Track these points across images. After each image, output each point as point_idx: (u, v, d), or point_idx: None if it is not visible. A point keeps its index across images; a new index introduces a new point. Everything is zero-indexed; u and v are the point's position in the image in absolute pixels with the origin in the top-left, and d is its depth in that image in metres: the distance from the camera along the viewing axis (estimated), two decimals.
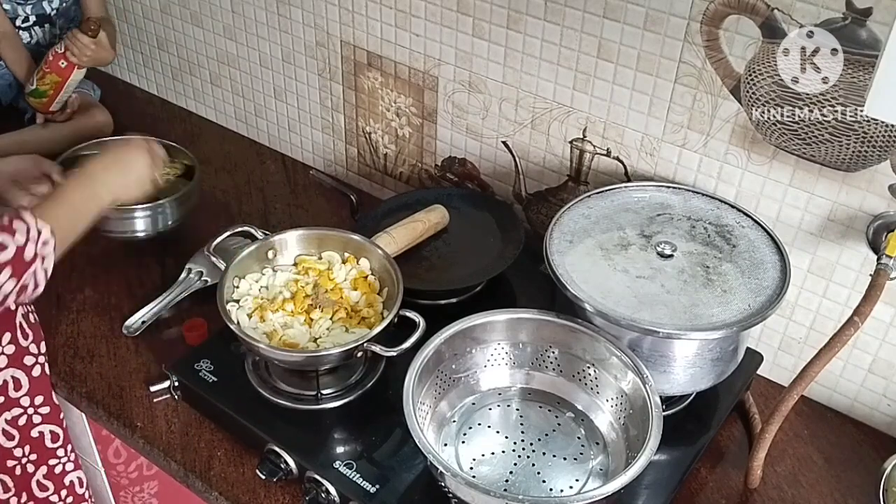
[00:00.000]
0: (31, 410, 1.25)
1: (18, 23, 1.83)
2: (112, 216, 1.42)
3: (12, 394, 1.22)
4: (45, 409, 1.26)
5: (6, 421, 1.22)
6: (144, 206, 1.46)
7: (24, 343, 1.22)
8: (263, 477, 1.14)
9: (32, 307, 1.27)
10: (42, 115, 1.82)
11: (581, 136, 1.39)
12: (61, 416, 1.30)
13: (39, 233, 1.02)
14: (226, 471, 1.19)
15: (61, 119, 1.83)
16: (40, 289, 1.05)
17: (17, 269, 0.99)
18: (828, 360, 1.05)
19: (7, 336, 1.19)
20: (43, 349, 1.26)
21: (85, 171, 1.18)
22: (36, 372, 1.24)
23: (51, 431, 1.28)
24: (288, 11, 1.65)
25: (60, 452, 1.31)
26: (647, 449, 0.99)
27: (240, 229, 1.29)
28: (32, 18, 1.84)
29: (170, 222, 1.51)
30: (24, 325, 1.22)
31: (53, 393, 1.28)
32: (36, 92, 1.77)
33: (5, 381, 1.20)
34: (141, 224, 1.50)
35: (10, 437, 1.24)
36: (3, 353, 1.19)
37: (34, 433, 1.26)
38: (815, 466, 1.23)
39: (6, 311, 1.16)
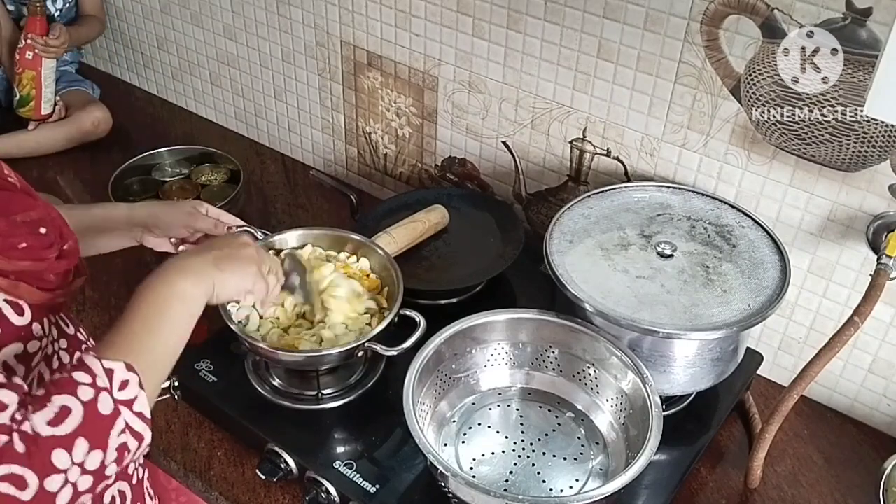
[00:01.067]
0: None
1: (22, 24, 1.83)
2: None
3: None
4: None
5: None
6: None
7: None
8: (263, 477, 1.14)
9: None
10: (34, 123, 1.82)
11: (581, 136, 1.39)
12: None
13: (110, 374, 0.78)
14: (226, 471, 1.19)
15: (53, 119, 1.84)
16: (146, 440, 0.81)
17: (96, 436, 0.76)
18: (828, 360, 1.05)
19: None
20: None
21: (173, 265, 0.89)
22: (135, 479, 1.05)
23: None
24: (288, 11, 1.65)
25: None
26: (647, 449, 0.99)
27: (240, 229, 1.29)
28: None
29: None
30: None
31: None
32: (22, 100, 1.78)
33: (113, 497, 0.99)
34: None
35: None
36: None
37: None
38: (815, 466, 1.23)
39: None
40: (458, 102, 1.50)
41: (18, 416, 0.73)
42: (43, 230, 0.88)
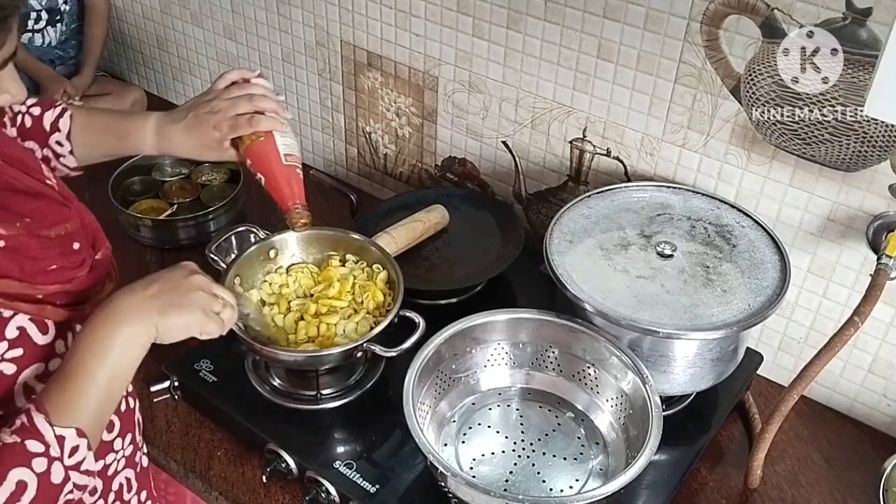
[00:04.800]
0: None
1: (31, 24, 1.84)
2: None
3: (125, 496, 1.03)
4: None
5: None
6: (194, 214, 1.57)
7: (138, 439, 1.04)
8: (264, 477, 1.14)
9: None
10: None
11: (581, 136, 1.39)
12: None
13: (61, 442, 0.79)
14: (226, 471, 1.19)
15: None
16: (90, 487, 0.87)
17: (48, 503, 0.79)
18: (828, 360, 1.05)
19: (129, 436, 1.01)
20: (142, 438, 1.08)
21: (116, 307, 0.85)
22: (139, 468, 1.06)
23: None
24: (288, 11, 1.65)
25: None
26: (647, 449, 0.99)
27: (240, 229, 1.29)
28: (45, 16, 1.85)
29: (213, 229, 1.59)
30: (140, 419, 1.05)
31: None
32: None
33: (121, 485, 1.01)
34: (185, 233, 1.59)
35: None
36: (123, 455, 1.00)
37: None
38: (815, 466, 1.23)
39: (128, 409, 1.00)
40: (458, 102, 1.50)
41: None
42: (76, 245, 0.88)
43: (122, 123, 1.13)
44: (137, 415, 1.04)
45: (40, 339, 0.83)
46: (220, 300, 0.94)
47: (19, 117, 1.08)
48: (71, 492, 0.81)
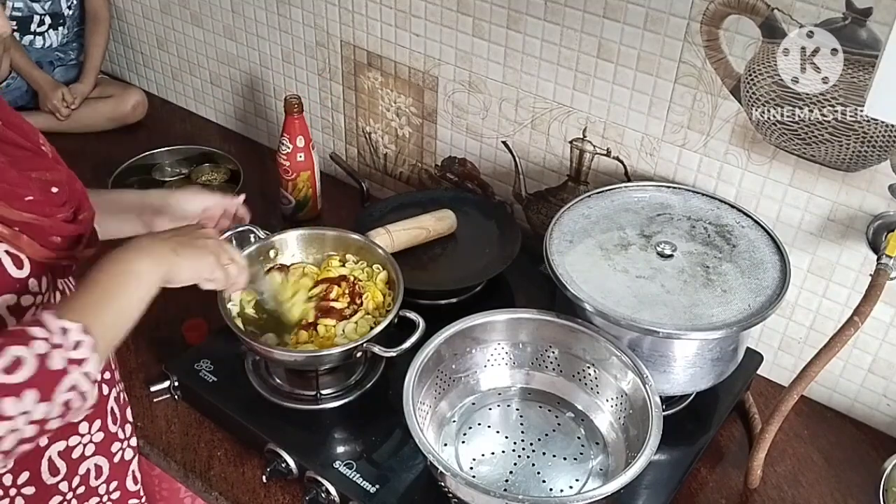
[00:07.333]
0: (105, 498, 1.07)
1: (34, 27, 1.85)
2: None
3: (93, 482, 1.03)
4: (116, 495, 1.08)
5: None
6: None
7: (113, 428, 1.04)
8: (264, 477, 1.14)
9: (122, 384, 1.09)
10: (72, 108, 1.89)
11: (581, 136, 1.39)
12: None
13: (65, 333, 0.80)
14: (226, 471, 1.19)
15: (64, 115, 1.87)
16: (89, 401, 0.82)
17: (46, 389, 0.78)
18: (828, 360, 1.05)
19: (98, 423, 1.01)
20: (129, 431, 1.09)
21: (133, 245, 0.92)
22: (117, 458, 1.06)
23: None
24: (288, 11, 1.65)
25: None
26: (647, 449, 0.99)
27: (240, 229, 1.29)
28: (47, 20, 1.86)
29: None
30: (115, 409, 1.05)
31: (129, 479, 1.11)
32: (300, 205, 1.64)
33: (88, 470, 1.02)
34: None
35: None
36: (91, 441, 1.01)
37: None
38: (815, 466, 1.23)
39: (100, 396, 1.00)
40: (458, 102, 1.50)
41: None
42: (55, 189, 0.91)
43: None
44: (112, 404, 1.04)
45: (14, 272, 0.85)
46: (229, 254, 1.01)
47: None
48: (72, 389, 0.80)
